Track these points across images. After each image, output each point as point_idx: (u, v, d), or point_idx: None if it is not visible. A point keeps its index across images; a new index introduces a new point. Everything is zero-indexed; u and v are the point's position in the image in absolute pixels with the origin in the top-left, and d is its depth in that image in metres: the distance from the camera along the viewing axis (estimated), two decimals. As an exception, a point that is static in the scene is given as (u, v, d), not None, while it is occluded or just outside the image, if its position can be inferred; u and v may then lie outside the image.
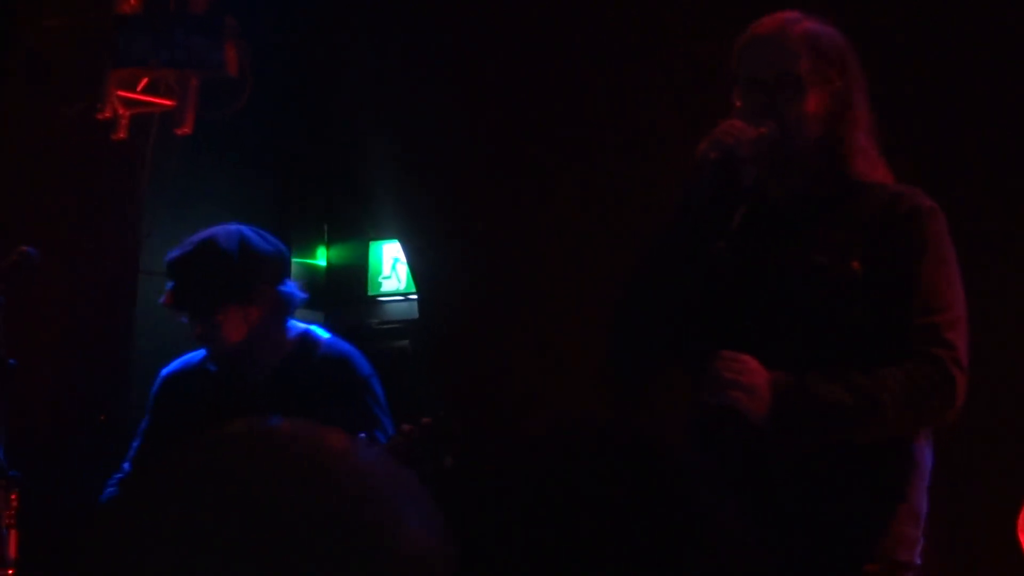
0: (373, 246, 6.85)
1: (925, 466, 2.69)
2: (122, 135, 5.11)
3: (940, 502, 2.85)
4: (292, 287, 3.42)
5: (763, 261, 2.68)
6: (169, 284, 3.40)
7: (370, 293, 6.84)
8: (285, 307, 3.40)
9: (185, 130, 5.14)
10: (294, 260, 6.53)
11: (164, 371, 3.56)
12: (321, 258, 6.81)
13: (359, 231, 6.80)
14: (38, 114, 5.21)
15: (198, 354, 3.51)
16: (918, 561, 2.64)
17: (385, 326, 6.71)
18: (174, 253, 3.41)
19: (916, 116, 4.48)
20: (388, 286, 6.80)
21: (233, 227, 3.44)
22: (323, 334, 3.49)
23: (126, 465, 3.54)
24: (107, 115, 5.05)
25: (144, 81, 5.16)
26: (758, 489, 2.57)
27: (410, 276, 6.28)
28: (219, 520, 0.92)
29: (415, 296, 6.13)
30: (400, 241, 6.11)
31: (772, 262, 2.67)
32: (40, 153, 5.22)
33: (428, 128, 5.57)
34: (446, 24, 5.49)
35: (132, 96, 5.13)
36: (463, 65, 5.47)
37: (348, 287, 6.76)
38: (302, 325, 3.49)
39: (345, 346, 3.47)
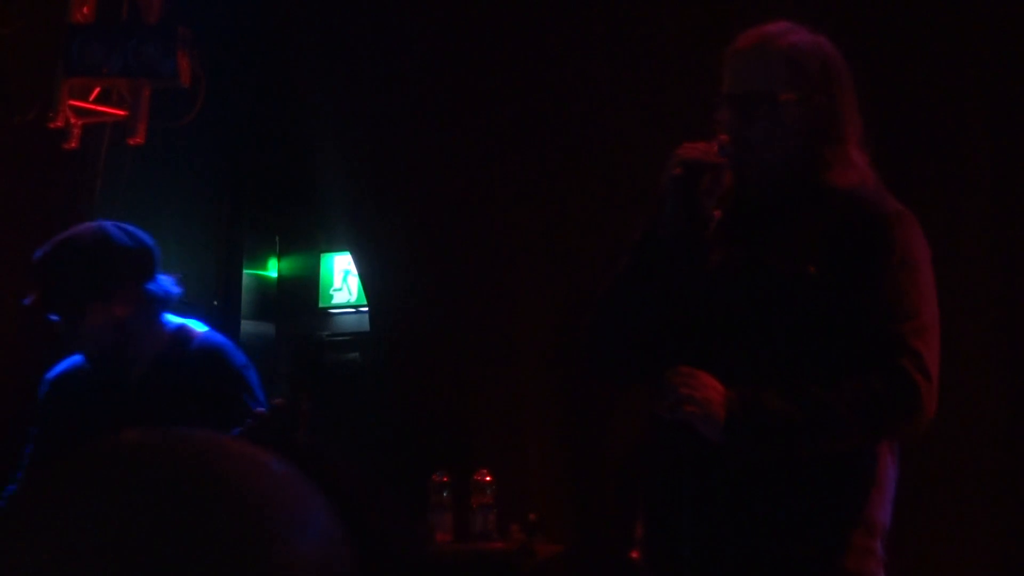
0: (324, 258, 6.85)
1: (885, 479, 2.65)
2: (74, 145, 5.07)
3: (910, 519, 2.81)
4: (164, 283, 3.35)
5: (725, 272, 2.68)
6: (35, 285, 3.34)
7: (321, 305, 6.84)
8: (154, 303, 3.33)
9: (137, 140, 5.10)
10: (245, 272, 6.51)
11: (48, 375, 3.50)
12: (273, 270, 6.80)
13: (311, 243, 6.80)
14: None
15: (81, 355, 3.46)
16: (880, 573, 2.63)
17: (336, 338, 6.71)
18: (36, 254, 3.34)
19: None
20: (339, 298, 6.80)
21: (95, 224, 3.37)
22: (199, 328, 3.44)
23: (19, 475, 3.46)
24: (59, 124, 5.01)
25: (96, 90, 5.13)
26: (712, 501, 2.59)
27: (361, 288, 6.28)
28: (106, 534, 0.91)
29: (366, 308, 6.13)
30: (351, 253, 6.11)
31: (732, 271, 2.67)
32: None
33: (380, 141, 5.57)
34: (400, 36, 5.50)
35: (84, 105, 5.10)
36: (416, 77, 5.47)
37: (299, 299, 6.75)
38: (179, 320, 3.44)
39: (219, 338, 3.43)
